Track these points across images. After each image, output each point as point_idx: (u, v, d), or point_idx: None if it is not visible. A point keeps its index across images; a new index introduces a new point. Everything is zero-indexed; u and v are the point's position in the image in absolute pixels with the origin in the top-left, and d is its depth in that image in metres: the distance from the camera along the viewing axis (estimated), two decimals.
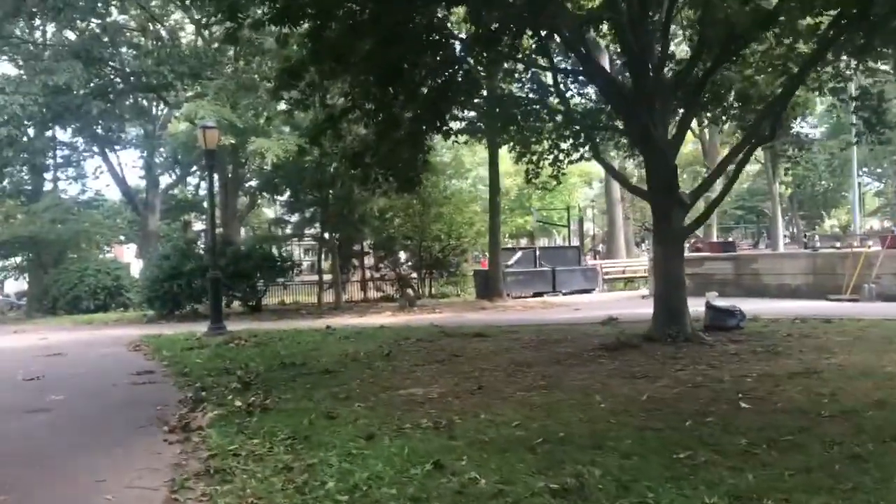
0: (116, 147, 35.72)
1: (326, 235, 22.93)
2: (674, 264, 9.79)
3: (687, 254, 28.67)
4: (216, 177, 29.07)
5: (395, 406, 6.58)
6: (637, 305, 17.17)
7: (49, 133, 27.58)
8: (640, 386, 6.88)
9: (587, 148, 12.90)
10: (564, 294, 22.05)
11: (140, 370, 9.82)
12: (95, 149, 37.05)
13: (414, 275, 26.28)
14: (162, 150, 38.74)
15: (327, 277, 24.61)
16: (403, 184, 12.19)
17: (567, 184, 42.36)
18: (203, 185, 48.90)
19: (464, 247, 25.61)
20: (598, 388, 6.91)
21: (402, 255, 26.81)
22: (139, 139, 37.50)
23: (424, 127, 10.65)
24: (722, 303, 11.25)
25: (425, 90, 10.16)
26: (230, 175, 28.86)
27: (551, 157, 13.36)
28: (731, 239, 45.19)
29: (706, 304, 10.92)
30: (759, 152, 43.72)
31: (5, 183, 38.79)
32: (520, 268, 21.90)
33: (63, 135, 30.87)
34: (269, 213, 53.45)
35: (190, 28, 28.75)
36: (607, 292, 23.41)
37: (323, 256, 24.57)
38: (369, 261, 26.72)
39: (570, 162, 13.48)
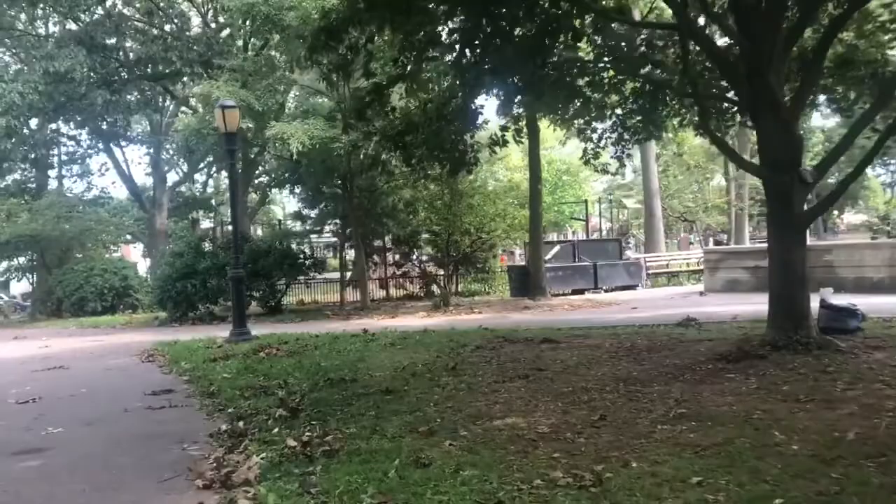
0: (122, 143, 34.32)
1: (348, 230, 21.27)
2: (795, 256, 8.09)
3: (748, 245, 27.13)
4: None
5: (498, 445, 4.95)
6: (701, 303, 15.57)
7: (52, 126, 25.75)
8: (822, 415, 5.22)
9: (665, 122, 11.26)
10: (606, 291, 20.38)
11: (156, 388, 8.21)
12: (100, 145, 35.75)
13: (440, 271, 24.67)
14: (169, 146, 37.48)
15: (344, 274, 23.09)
16: (455, 165, 10.55)
17: (578, 178, 40.73)
18: (211, 182, 47.79)
19: (493, 241, 23.96)
20: (763, 417, 5.26)
21: (427, 251, 25.22)
22: (145, 135, 36.14)
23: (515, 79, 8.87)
24: (838, 301, 9.56)
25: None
26: (240, 170, 27.36)
27: (615, 135, 11.69)
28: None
29: (821, 302, 9.23)
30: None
31: (8, 181, 37.49)
32: (558, 263, 20.24)
33: (67, 129, 29.15)
34: (278, 210, 52.16)
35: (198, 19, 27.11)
36: (652, 288, 21.72)
37: (343, 253, 22.94)
38: (390, 257, 25.13)
39: (637, 141, 11.80)
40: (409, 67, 9.09)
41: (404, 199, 20.26)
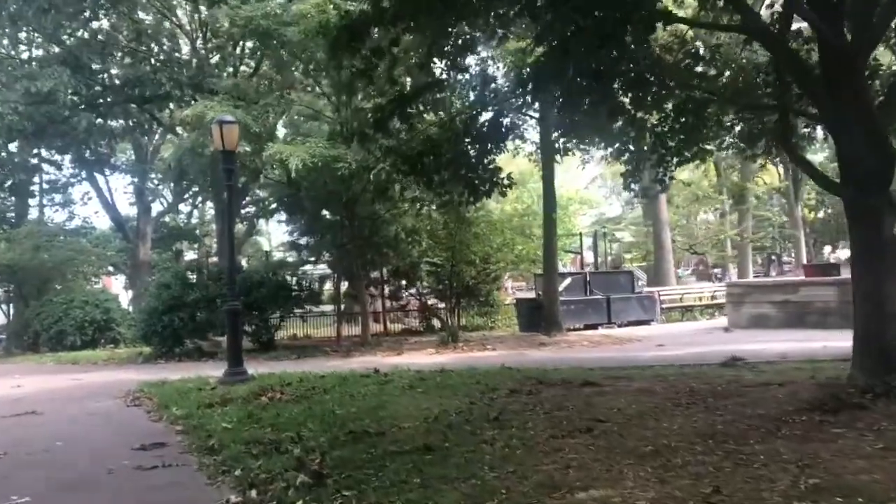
0: (106, 171, 33.10)
1: (345, 261, 20.09)
2: (886, 289, 7.06)
3: (776, 278, 26.01)
4: (217, 196, 26.47)
5: None
6: (730, 340, 14.56)
7: (34, 150, 24.48)
8: None
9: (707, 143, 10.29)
10: (620, 326, 19.30)
11: (146, 441, 6.98)
12: (83, 173, 34.51)
13: (440, 305, 23.50)
14: (154, 175, 36.25)
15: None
16: (484, 187, 9.49)
17: (567, 211, 39.81)
18: (196, 213, 46.50)
19: (497, 273, 22.86)
20: None
21: (427, 283, 24.08)
22: (130, 163, 34.99)
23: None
24: None
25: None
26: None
27: (654, 156, 10.69)
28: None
29: None
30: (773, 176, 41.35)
31: None
32: (569, 296, 19.12)
33: (48, 154, 27.87)
34: (264, 242, 50.93)
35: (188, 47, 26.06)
36: (666, 324, 20.65)
37: (340, 284, 21.73)
38: (386, 290, 23.96)
39: (680, 162, 10.80)
40: (440, 75, 8.03)
41: (406, 228, 19.14)
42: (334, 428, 6.93)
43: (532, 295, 20.52)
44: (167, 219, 39.77)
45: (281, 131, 21.24)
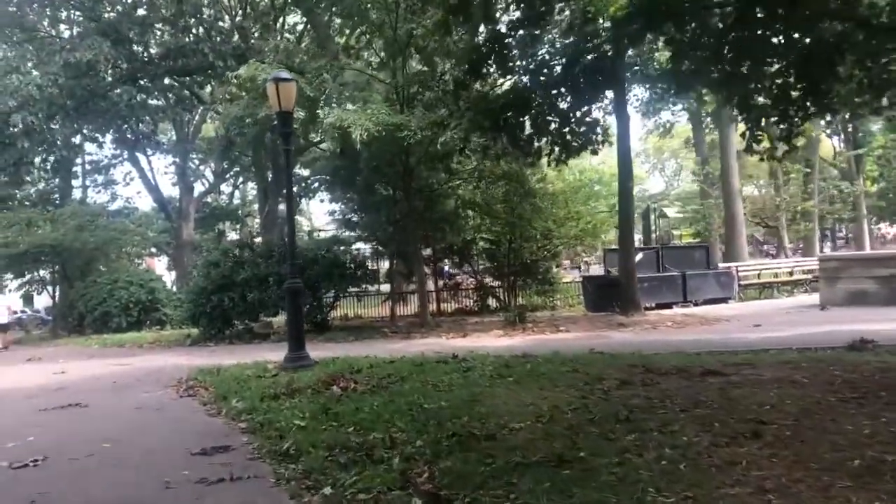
0: (148, 151, 32.51)
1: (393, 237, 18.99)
2: None
3: (879, 251, 24.06)
4: (260, 174, 25.54)
5: None
6: (832, 319, 13.12)
7: (74, 126, 23.64)
8: None
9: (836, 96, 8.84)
10: (696, 304, 17.86)
11: (206, 443, 5.90)
12: (125, 154, 33.95)
13: (495, 283, 22.32)
14: (195, 155, 35.56)
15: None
16: (581, 142, 8.20)
17: (611, 187, 38.04)
18: (237, 193, 45.81)
19: (557, 249, 21.57)
20: None
21: (482, 260, 22.91)
22: (171, 143, 34.41)
23: None
24: None
25: None
26: (271, 178, 25.22)
27: (777, 113, 9.25)
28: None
29: None
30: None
31: (31, 191, 35.71)
32: (641, 273, 17.70)
33: (89, 130, 27.03)
34: (304, 222, 50.14)
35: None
36: (745, 301, 19.15)
37: (395, 262, 20.64)
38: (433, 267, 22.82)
39: (806, 118, 9.34)
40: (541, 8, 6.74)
41: (464, 201, 17.94)
42: (430, 428, 5.77)
43: (598, 272, 19.15)
44: (209, 199, 39.26)
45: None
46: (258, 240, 28.96)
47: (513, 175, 17.18)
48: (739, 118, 9.99)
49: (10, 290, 38.07)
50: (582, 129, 8.26)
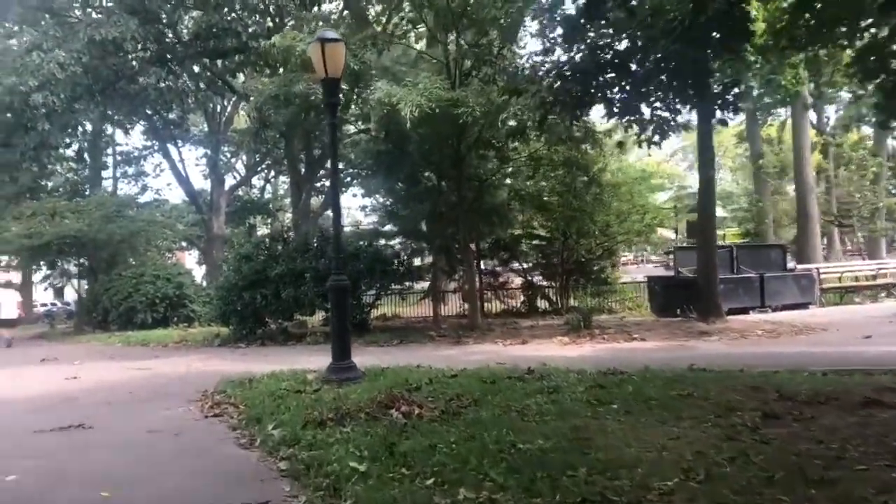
0: (178, 142, 31.48)
1: (449, 231, 17.42)
2: None
3: None
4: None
5: None
6: None
7: (101, 110, 22.40)
8: None
9: None
10: (774, 310, 16.09)
11: (238, 493, 4.39)
12: (156, 145, 33.02)
13: (544, 283, 20.67)
14: (226, 148, 34.50)
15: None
16: (709, 101, 6.56)
17: (650, 184, 36.01)
18: (269, 187, 44.72)
19: (614, 246, 19.88)
20: None
21: (530, 257, 21.29)
22: (202, 135, 33.41)
23: None
24: None
25: None
26: (303, 171, 23.92)
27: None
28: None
29: None
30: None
31: (60, 182, 34.83)
32: None
33: (115, 114, 25.82)
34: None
35: None
36: (828, 307, 17.31)
37: (438, 258, 19.06)
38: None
39: None
40: None
41: (517, 192, 16.35)
42: (539, 484, 4.20)
43: (664, 272, 17.44)
44: (240, 192, 38.24)
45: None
46: (290, 235, 27.68)
47: (574, 162, 15.53)
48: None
49: (35, 283, 37.43)
50: (714, 90, 6.61)
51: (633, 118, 7.84)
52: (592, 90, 7.20)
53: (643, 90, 7.04)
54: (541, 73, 9.33)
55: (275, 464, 5.22)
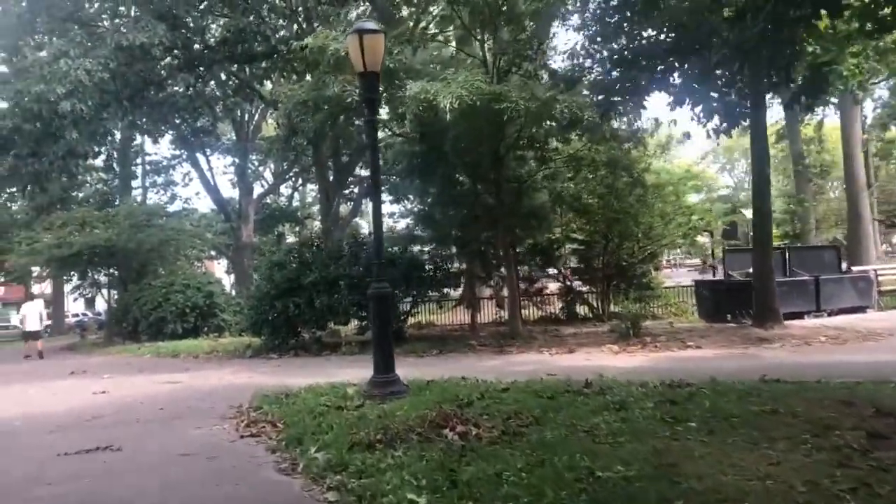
0: (207, 151, 31.36)
1: (483, 235, 16.83)
2: None
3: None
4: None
5: None
6: None
7: (129, 119, 22.11)
8: None
9: None
10: (830, 314, 15.25)
11: None
12: (185, 154, 32.93)
13: (584, 288, 19.98)
14: (254, 156, 34.33)
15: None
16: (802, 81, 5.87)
17: (686, 186, 34.99)
18: (297, 195, 44.48)
19: (656, 249, 19.13)
20: None
21: (568, 262, 20.64)
22: (231, 143, 33.31)
23: None
24: None
25: None
26: (332, 178, 23.54)
27: None
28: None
29: None
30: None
31: (90, 192, 34.87)
32: None
33: (143, 122, 25.58)
34: (364, 224, 48.70)
35: None
36: (885, 311, 16.42)
37: (474, 264, 18.44)
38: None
39: None
40: None
41: (558, 194, 15.71)
42: None
43: (712, 275, 16.71)
44: (268, 200, 38.08)
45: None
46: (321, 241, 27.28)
47: (617, 162, 14.84)
48: None
49: (67, 294, 37.46)
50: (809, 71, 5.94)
51: (700, 105, 7.17)
52: (658, 75, 6.57)
53: (716, 73, 6.38)
54: (595, 61, 8.70)
55: (321, 493, 4.65)
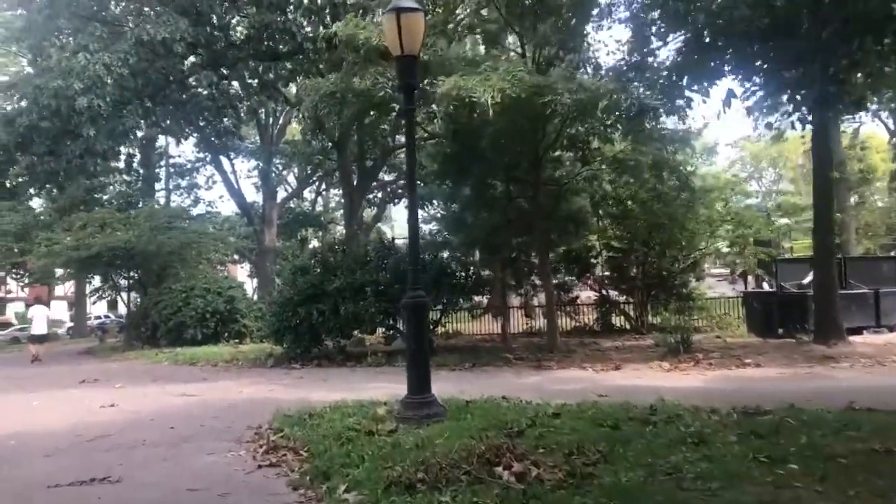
0: (231, 154, 30.87)
1: (516, 241, 15.97)
2: None
3: None
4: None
5: None
6: None
7: (151, 119, 21.49)
8: None
9: None
10: (891, 329, 14.18)
11: None
12: (208, 157, 32.49)
13: (620, 298, 19.01)
14: (278, 160, 33.82)
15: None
16: None
17: (723, 193, 33.78)
18: (320, 200, 43.90)
19: (699, 258, 18.11)
20: None
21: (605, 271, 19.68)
22: (255, 147, 32.85)
23: None
24: None
25: None
26: (356, 182, 22.83)
27: None
28: None
29: None
30: None
31: (113, 194, 34.49)
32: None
33: (164, 120, 25.00)
34: (386, 229, 48.12)
35: None
36: None
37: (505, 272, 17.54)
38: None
39: None
40: None
41: (601, 197, 14.80)
42: None
43: (761, 287, 15.66)
44: (291, 204, 37.58)
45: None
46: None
47: (665, 164, 13.89)
48: None
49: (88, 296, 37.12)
50: None
51: (788, 93, 6.24)
52: (741, 58, 5.66)
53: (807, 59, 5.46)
54: (664, 44, 7.84)
55: None
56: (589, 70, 12.65)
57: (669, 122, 13.60)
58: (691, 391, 8.42)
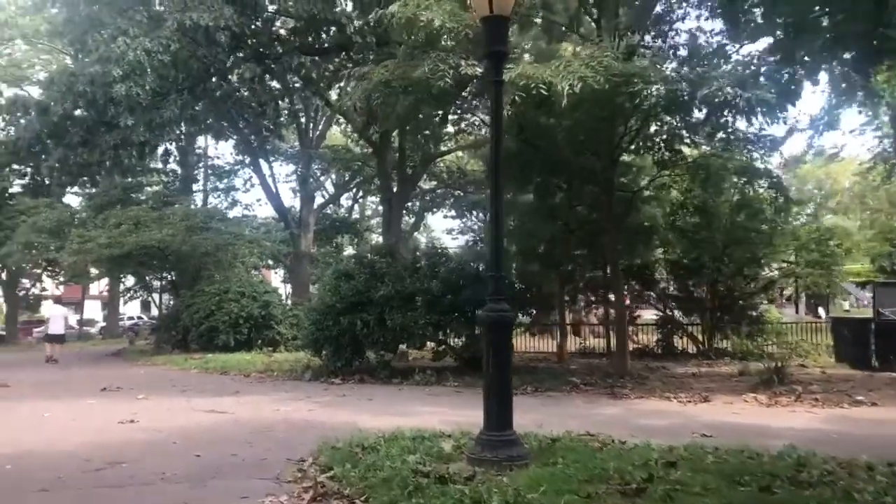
0: (270, 157, 30.15)
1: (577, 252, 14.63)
2: None
3: None
4: (384, 183, 21.97)
5: None
6: None
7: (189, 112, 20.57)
8: None
9: None
10: None
11: None
12: (247, 159, 31.80)
13: (686, 320, 17.48)
14: (316, 165, 33.03)
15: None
16: None
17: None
18: (356, 207, 43.04)
19: (773, 278, 16.55)
20: None
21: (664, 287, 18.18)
22: (294, 151, 32.15)
23: None
24: None
25: None
26: (396, 188, 21.78)
27: None
28: None
29: None
30: None
31: (150, 194, 33.86)
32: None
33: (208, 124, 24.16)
34: (421, 238, 47.05)
35: None
36: None
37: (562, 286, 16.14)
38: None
39: None
40: None
41: (681, 204, 13.41)
42: None
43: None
44: (328, 210, 36.80)
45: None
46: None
47: (753, 170, 12.44)
48: None
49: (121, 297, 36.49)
50: None
51: None
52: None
53: None
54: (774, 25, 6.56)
55: None
56: (674, 63, 11.30)
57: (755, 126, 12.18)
58: (812, 434, 6.99)
